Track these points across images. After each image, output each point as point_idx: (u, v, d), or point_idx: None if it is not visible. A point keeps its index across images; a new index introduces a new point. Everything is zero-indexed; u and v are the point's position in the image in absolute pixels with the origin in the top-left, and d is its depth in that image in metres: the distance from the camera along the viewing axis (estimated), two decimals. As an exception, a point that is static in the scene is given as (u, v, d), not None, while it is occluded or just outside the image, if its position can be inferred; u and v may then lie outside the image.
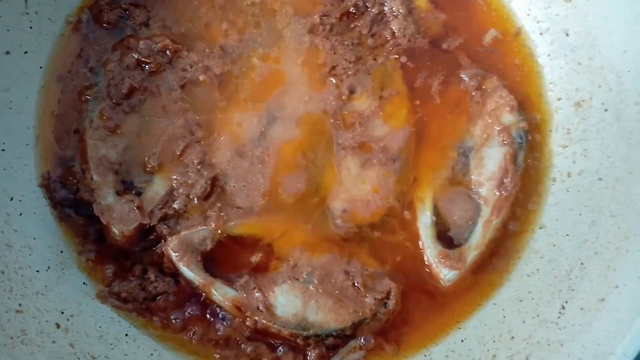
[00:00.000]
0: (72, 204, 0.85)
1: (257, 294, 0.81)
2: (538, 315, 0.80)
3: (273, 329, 0.80)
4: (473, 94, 0.91)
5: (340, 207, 0.86)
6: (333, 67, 0.91)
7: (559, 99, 0.91)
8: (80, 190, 0.85)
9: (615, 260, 0.77)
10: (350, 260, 0.85)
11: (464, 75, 0.92)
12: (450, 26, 0.95)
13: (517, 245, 0.88)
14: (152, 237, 0.84)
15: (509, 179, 0.86)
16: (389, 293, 0.82)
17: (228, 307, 0.81)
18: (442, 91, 0.92)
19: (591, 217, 0.83)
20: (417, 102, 0.92)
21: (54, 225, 0.85)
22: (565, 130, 0.90)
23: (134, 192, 0.86)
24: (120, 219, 0.82)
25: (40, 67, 0.88)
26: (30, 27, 0.86)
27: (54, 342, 0.75)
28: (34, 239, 0.82)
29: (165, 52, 0.90)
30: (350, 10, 0.94)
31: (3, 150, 0.82)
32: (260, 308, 0.81)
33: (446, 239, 0.87)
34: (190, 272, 0.82)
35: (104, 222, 0.82)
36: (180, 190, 0.85)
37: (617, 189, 0.82)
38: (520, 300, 0.83)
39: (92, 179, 0.84)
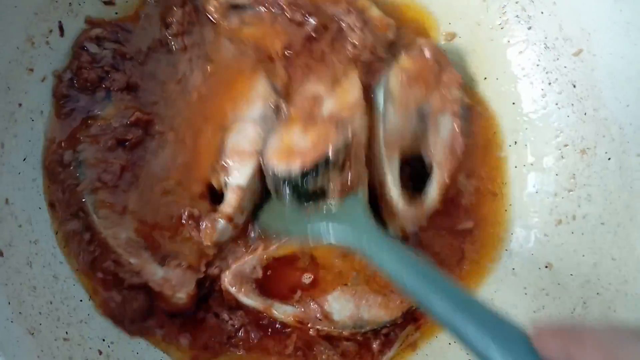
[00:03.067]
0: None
1: (313, 306, 0.87)
2: (544, 351, 0.85)
3: (334, 333, 0.87)
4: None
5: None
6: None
7: (565, 146, 0.96)
8: (126, 280, 0.85)
9: (615, 301, 0.82)
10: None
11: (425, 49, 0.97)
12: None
13: (523, 282, 0.93)
14: (207, 284, 0.89)
15: (457, 145, 0.94)
16: None
17: (290, 322, 0.87)
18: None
19: (593, 259, 0.87)
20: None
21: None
22: (571, 175, 0.94)
23: (171, 256, 0.87)
24: (182, 283, 0.85)
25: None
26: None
27: (97, 368, 0.81)
28: (77, 270, 0.86)
29: (138, 124, 0.89)
30: (312, 34, 0.97)
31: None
32: (319, 317, 0.86)
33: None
34: (250, 300, 0.87)
35: (168, 293, 0.84)
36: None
37: (618, 234, 0.86)
38: (529, 336, 0.88)
39: (130, 263, 0.84)
